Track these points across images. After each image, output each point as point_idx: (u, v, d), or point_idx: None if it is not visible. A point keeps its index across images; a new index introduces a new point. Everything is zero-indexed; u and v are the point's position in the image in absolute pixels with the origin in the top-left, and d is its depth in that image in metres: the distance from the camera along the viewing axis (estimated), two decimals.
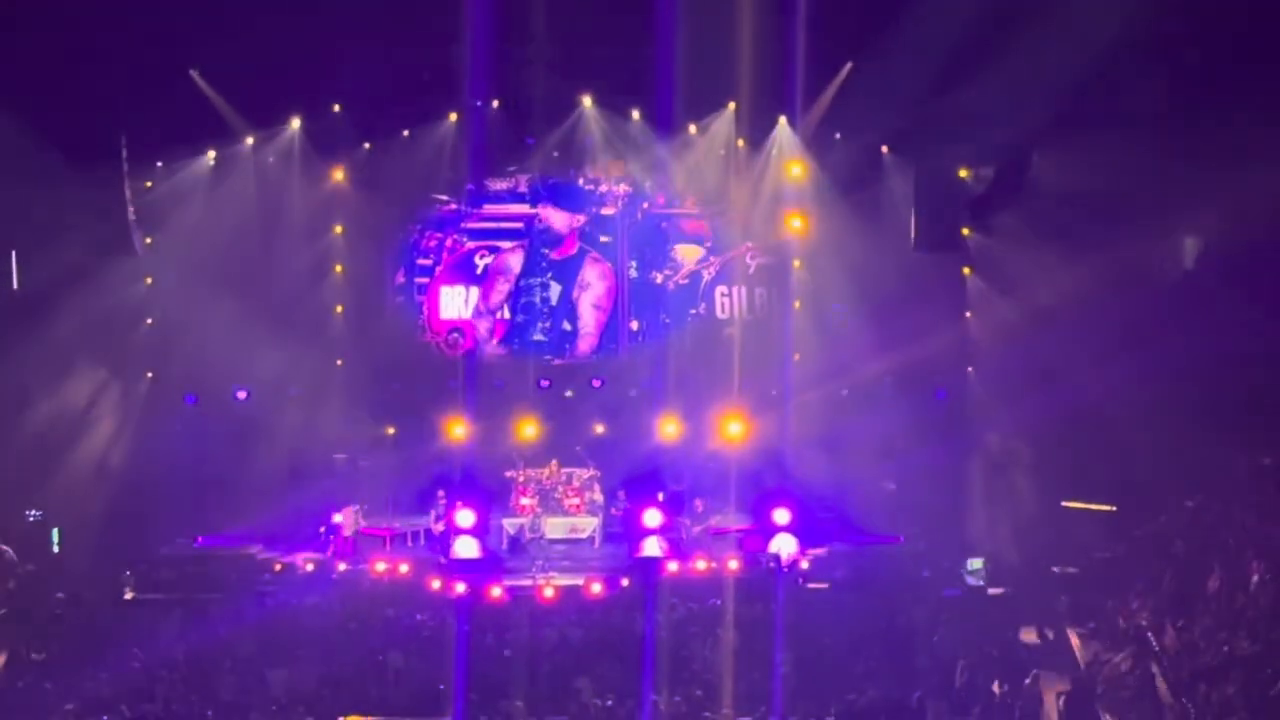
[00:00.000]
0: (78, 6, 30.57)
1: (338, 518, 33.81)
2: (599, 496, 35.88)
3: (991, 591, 30.90)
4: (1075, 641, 28.08)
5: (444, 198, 39.31)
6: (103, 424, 35.70)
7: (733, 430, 36.02)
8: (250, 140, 36.87)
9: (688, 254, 39.87)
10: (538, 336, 39.71)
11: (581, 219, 39.48)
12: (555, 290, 39.72)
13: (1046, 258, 34.26)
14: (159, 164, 36.24)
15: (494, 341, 39.62)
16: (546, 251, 39.63)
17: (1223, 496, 31.06)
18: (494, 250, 39.67)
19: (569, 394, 39.55)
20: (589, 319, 39.93)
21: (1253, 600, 26.90)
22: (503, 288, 39.63)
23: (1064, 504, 34.04)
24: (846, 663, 26.69)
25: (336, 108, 36.51)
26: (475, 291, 39.70)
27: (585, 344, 39.98)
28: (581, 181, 39.34)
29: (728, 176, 38.60)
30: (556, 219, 39.47)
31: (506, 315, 39.72)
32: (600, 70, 35.41)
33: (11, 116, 31.27)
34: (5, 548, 31.64)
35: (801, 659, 26.53)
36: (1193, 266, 33.69)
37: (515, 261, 39.62)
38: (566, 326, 39.88)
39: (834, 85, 35.79)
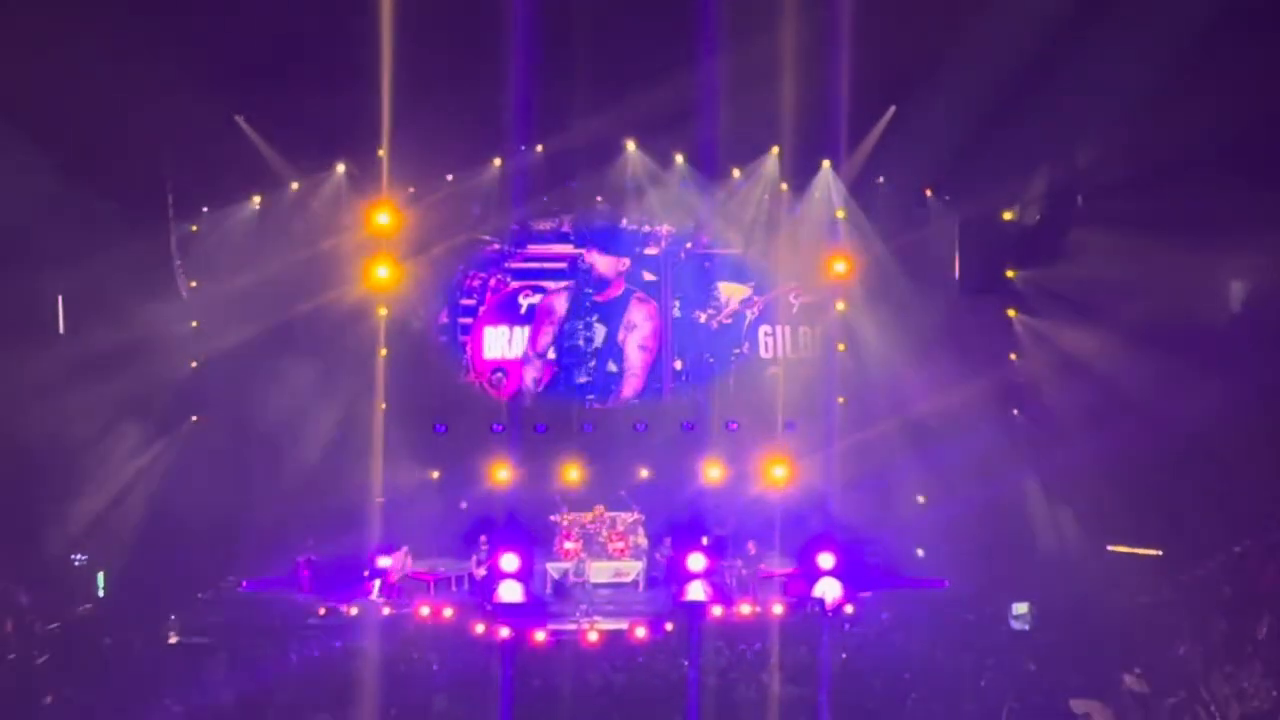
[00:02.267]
0: (123, 53, 30.75)
1: (384, 561, 33.84)
2: (643, 540, 35.83)
3: (1038, 636, 30.70)
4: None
5: (487, 238, 39.41)
6: (148, 467, 35.76)
7: (777, 474, 35.95)
8: (295, 185, 37.22)
9: (732, 292, 39.84)
10: (582, 379, 39.72)
11: (626, 262, 39.53)
12: (600, 332, 39.74)
13: (1091, 300, 34.17)
14: (204, 209, 36.56)
15: (540, 383, 39.63)
16: (590, 292, 39.67)
17: (1271, 541, 30.85)
18: (538, 290, 39.73)
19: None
20: (635, 360, 39.90)
21: None
22: (548, 331, 39.66)
23: (1110, 548, 33.88)
24: (892, 708, 26.49)
25: (380, 152, 36.62)
26: (519, 331, 39.75)
27: (631, 386, 39.92)
28: (625, 222, 39.36)
29: (772, 220, 38.54)
30: (601, 263, 39.51)
31: (553, 356, 39.76)
32: (644, 114, 35.40)
33: (56, 161, 31.55)
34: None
35: (846, 704, 26.34)
36: (1239, 309, 33.51)
37: (560, 305, 39.67)
38: (612, 368, 39.83)
39: (878, 129, 35.91)
